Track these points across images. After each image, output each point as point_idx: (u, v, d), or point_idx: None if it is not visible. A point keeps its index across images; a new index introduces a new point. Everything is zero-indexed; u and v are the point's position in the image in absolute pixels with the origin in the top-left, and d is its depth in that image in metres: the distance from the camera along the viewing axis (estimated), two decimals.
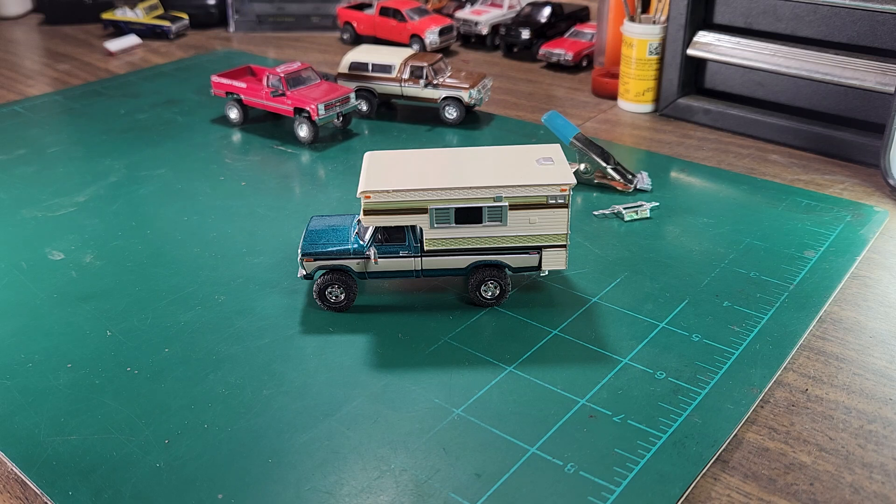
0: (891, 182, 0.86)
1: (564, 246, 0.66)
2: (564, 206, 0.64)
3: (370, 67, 1.10)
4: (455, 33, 1.48)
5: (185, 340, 0.63)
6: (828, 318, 0.66)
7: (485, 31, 1.47)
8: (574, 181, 0.63)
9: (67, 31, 1.66)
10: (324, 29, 1.65)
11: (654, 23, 1.11)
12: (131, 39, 1.53)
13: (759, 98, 1.07)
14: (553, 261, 0.67)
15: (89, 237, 0.80)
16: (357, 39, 1.54)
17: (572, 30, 1.41)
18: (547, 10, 1.45)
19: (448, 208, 0.64)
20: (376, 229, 0.65)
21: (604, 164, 0.88)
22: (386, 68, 1.10)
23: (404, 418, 0.55)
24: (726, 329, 0.64)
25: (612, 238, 0.78)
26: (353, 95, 1.04)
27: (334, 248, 0.66)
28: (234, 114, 1.09)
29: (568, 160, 0.73)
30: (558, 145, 0.70)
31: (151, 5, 1.61)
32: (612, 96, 1.20)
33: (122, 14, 1.60)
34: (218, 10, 1.66)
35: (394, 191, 0.63)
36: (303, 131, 1.02)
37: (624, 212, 0.82)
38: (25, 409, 0.56)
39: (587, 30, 1.39)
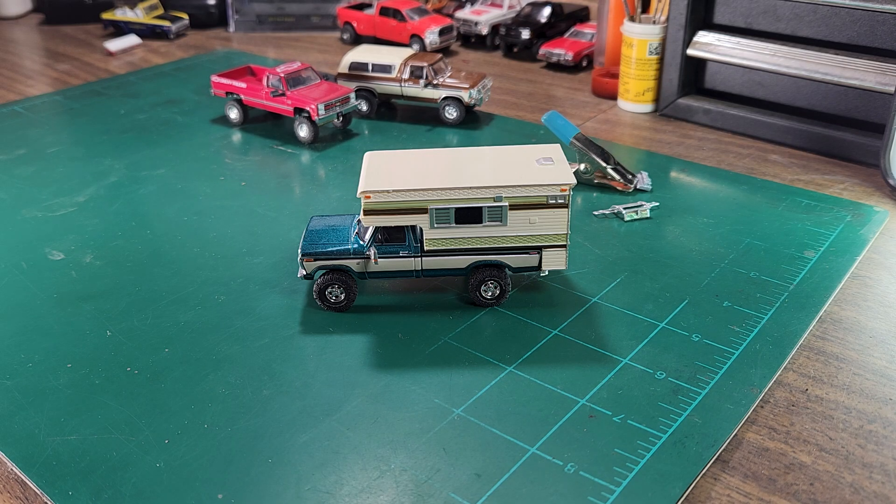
0: (891, 182, 0.86)
1: (564, 246, 0.66)
2: (564, 206, 0.64)
3: (370, 67, 1.10)
4: (455, 33, 1.48)
5: (185, 340, 0.63)
6: (828, 318, 0.66)
7: (485, 31, 1.47)
8: (574, 181, 0.63)
9: (67, 31, 1.66)
10: (324, 29, 1.65)
11: (654, 23, 1.11)
12: (131, 39, 1.53)
13: (759, 98, 1.07)
14: (553, 261, 0.67)
15: (89, 237, 0.80)
16: (357, 39, 1.54)
17: (572, 30, 1.41)
18: (547, 10, 1.45)
19: (448, 208, 0.64)
20: (376, 229, 0.65)
21: (604, 164, 0.88)
22: (386, 68, 1.10)
23: (404, 418, 0.55)
24: (726, 329, 0.64)
25: (612, 238, 0.78)
26: (353, 95, 1.04)
27: (334, 248, 0.66)
28: (234, 114, 1.09)
29: (568, 160, 0.73)
30: (558, 145, 0.70)
31: (151, 5, 1.61)
32: (612, 96, 1.20)
33: (122, 14, 1.60)
34: (218, 10, 1.66)
35: (394, 191, 0.63)
36: (303, 131, 1.02)
37: (624, 212, 0.82)
38: (25, 409, 0.56)
39: (587, 30, 1.39)
